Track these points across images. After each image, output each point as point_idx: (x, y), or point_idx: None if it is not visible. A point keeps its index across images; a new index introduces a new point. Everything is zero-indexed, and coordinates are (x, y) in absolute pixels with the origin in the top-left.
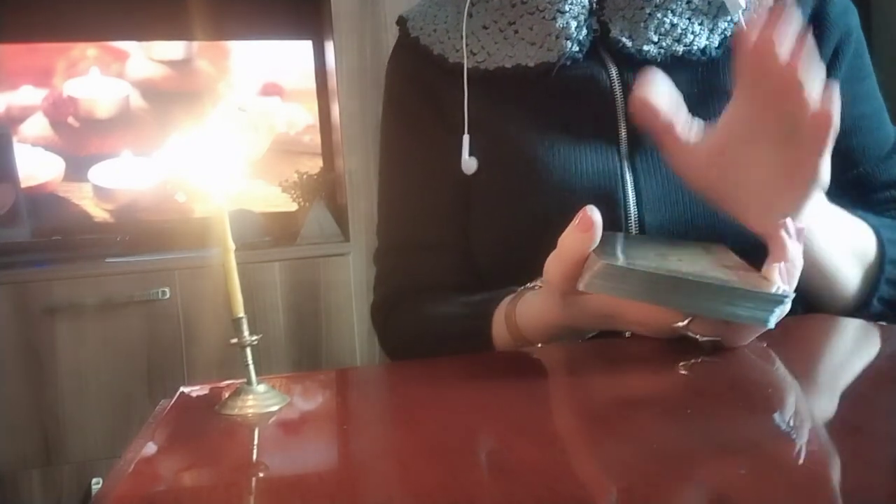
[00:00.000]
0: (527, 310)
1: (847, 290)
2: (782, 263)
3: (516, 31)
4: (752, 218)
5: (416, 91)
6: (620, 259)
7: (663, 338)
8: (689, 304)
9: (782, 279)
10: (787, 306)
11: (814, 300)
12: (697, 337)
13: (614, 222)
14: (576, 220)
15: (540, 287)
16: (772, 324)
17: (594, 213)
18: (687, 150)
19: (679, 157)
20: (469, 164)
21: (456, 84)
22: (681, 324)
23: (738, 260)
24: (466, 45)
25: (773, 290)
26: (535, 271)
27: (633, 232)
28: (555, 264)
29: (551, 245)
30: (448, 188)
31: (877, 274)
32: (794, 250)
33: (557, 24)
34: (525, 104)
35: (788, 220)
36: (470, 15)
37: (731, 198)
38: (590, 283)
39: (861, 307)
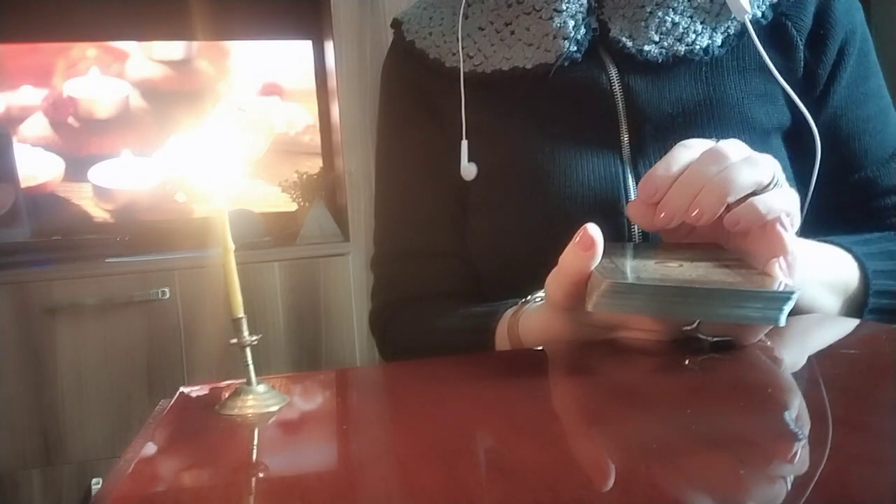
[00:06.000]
0: (529, 324)
1: None
2: (782, 258)
3: (513, 33)
4: None
5: (412, 96)
6: (624, 274)
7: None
8: (699, 311)
9: (784, 274)
10: (794, 301)
11: None
12: (707, 339)
13: (617, 229)
14: (576, 238)
15: (541, 300)
16: (783, 321)
17: (595, 232)
18: None
19: None
20: (468, 169)
21: (453, 88)
22: (690, 327)
23: (735, 257)
24: (462, 48)
25: (779, 288)
26: (535, 279)
27: (637, 239)
28: (556, 283)
29: (552, 252)
30: (446, 194)
31: (861, 305)
32: (791, 243)
33: (554, 24)
34: (524, 108)
35: (783, 215)
36: (465, 16)
37: None
38: (598, 303)
39: None
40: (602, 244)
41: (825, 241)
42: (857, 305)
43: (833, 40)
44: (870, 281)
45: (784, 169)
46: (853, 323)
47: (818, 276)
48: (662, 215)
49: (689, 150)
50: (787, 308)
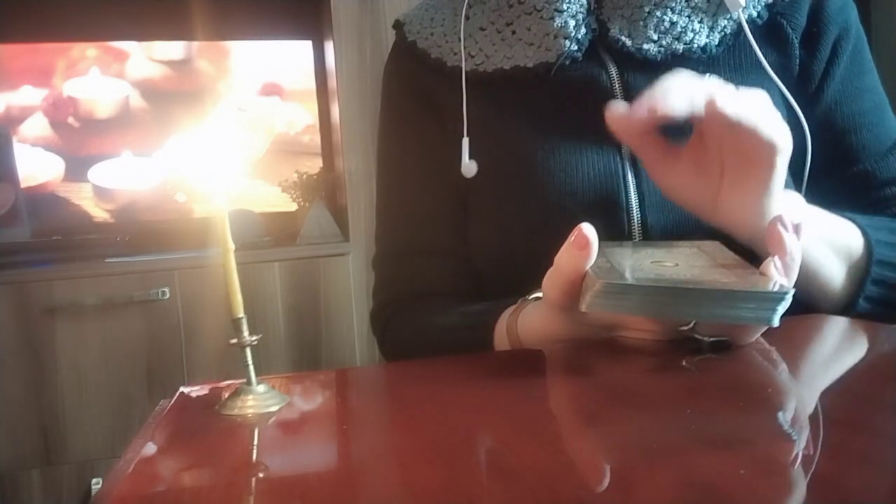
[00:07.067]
0: (528, 323)
1: (831, 288)
2: (779, 258)
3: (514, 32)
4: (724, 216)
5: (413, 95)
6: (618, 274)
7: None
8: (693, 312)
9: (780, 274)
10: (789, 302)
11: (799, 298)
12: (704, 339)
13: (617, 225)
14: (571, 237)
15: (540, 298)
16: (776, 322)
17: (590, 231)
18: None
19: (664, 171)
20: (469, 167)
21: (454, 87)
22: (686, 327)
23: (733, 256)
24: (464, 48)
25: (773, 288)
26: (535, 276)
27: (637, 235)
28: (552, 282)
29: (552, 249)
30: (447, 193)
31: (863, 274)
32: (792, 244)
33: (555, 24)
34: (525, 106)
35: (784, 215)
36: (467, 17)
37: (710, 205)
38: (591, 304)
39: (847, 306)
40: (597, 244)
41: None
42: (859, 274)
43: (827, 37)
44: (873, 248)
45: None
46: (854, 323)
47: (824, 234)
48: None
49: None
50: (781, 309)
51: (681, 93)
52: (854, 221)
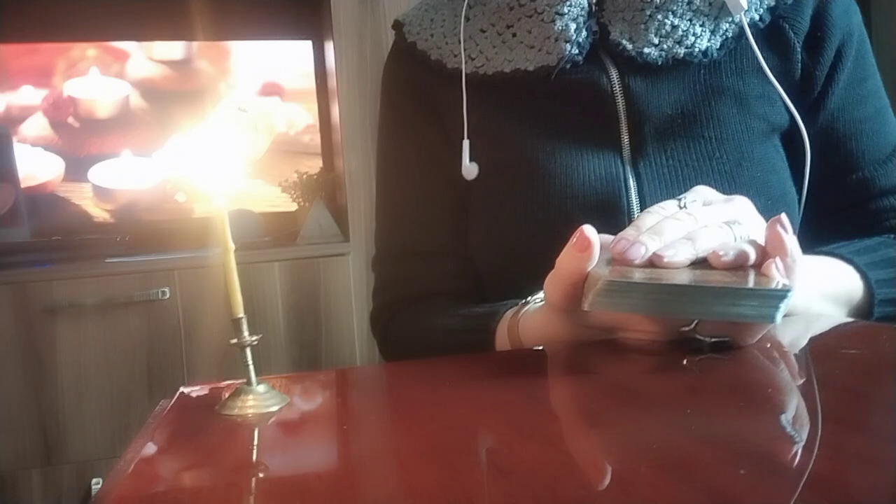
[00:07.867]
0: (529, 325)
1: None
2: (780, 259)
3: (514, 35)
4: None
5: (413, 96)
6: (621, 273)
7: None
8: (696, 310)
9: (781, 274)
10: (791, 300)
11: None
12: (706, 339)
13: (617, 228)
14: (573, 239)
15: (542, 301)
16: (778, 319)
17: (591, 233)
18: None
19: None
20: (470, 169)
21: (454, 89)
22: (688, 328)
23: None
24: (464, 50)
25: (775, 286)
26: (536, 278)
27: None
28: (554, 284)
29: (553, 252)
30: (447, 194)
31: (866, 315)
32: (791, 244)
33: (556, 27)
34: (525, 109)
35: (783, 216)
36: (467, 18)
37: None
38: (594, 302)
39: None
40: (598, 246)
41: (826, 254)
42: (862, 316)
43: (830, 42)
44: (874, 291)
45: (782, 170)
46: (853, 323)
47: (822, 289)
48: (630, 245)
49: (654, 215)
50: (784, 306)
51: (677, 241)
52: (851, 262)
